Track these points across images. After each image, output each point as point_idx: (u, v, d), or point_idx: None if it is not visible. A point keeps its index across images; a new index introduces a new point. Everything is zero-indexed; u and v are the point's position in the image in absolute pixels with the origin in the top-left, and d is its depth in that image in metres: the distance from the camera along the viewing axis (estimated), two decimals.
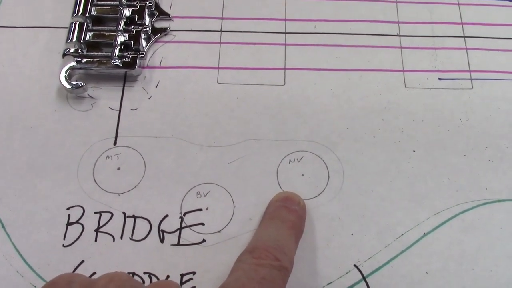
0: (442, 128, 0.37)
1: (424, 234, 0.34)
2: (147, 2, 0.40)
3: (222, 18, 0.41)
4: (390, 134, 0.37)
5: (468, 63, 0.40)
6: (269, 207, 0.33)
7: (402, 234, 0.34)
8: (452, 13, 0.42)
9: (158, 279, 0.33)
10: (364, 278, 0.33)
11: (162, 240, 0.34)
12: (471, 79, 0.39)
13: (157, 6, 0.41)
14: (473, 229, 0.34)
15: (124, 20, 0.39)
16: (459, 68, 0.40)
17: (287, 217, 0.32)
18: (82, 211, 0.34)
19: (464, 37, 0.41)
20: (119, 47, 0.38)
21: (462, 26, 0.41)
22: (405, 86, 0.39)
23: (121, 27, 0.39)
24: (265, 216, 0.33)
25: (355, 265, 0.33)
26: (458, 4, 0.42)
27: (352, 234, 0.34)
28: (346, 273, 0.33)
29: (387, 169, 0.36)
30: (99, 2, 0.40)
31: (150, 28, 0.40)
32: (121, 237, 0.34)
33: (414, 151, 0.37)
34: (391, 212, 0.35)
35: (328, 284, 0.33)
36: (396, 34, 0.41)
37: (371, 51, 0.40)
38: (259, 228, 0.33)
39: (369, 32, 0.41)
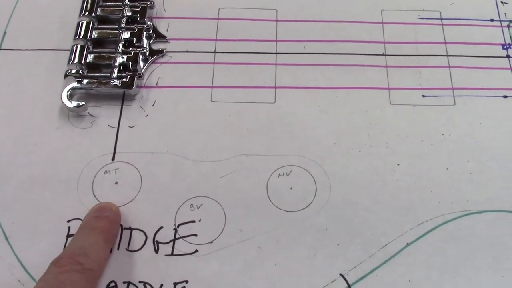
0: (425, 143, 0.39)
1: (407, 244, 0.36)
2: (145, 26, 0.43)
3: (216, 40, 0.44)
4: (375, 149, 0.39)
5: (451, 81, 0.42)
6: (83, 220, 0.35)
7: (386, 244, 0.36)
8: (436, 33, 0.44)
9: (152, 287, 0.34)
10: (349, 286, 0.34)
11: (156, 251, 0.35)
12: (453, 96, 0.41)
13: (155, 29, 0.44)
14: (454, 239, 0.36)
15: (123, 42, 0.42)
16: (442, 85, 0.41)
17: (95, 224, 0.34)
18: None
19: (448, 56, 0.43)
20: (117, 68, 0.40)
21: (446, 46, 0.43)
22: (390, 103, 0.41)
23: (120, 49, 0.41)
24: (78, 229, 0.35)
25: (340, 274, 0.35)
26: (442, 24, 0.44)
27: (338, 244, 0.36)
28: (332, 281, 0.35)
29: (372, 182, 0.38)
30: (99, 26, 0.43)
31: (147, 50, 0.42)
32: (118, 248, 0.36)
33: (398, 164, 0.38)
34: (376, 223, 0.36)
35: None
36: (382, 53, 0.43)
37: (358, 70, 0.42)
38: (69, 241, 0.35)
39: (356, 52, 0.43)
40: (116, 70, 0.40)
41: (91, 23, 0.42)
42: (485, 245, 0.36)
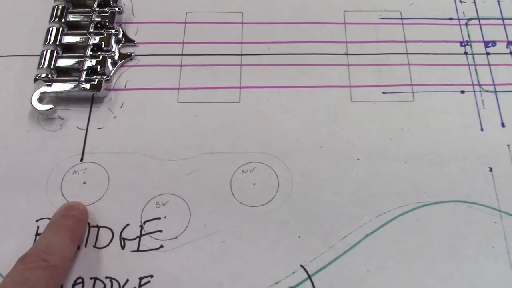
0: (384, 138, 0.40)
1: (366, 235, 0.37)
2: (114, 31, 0.44)
3: (183, 43, 0.45)
4: (336, 144, 0.40)
5: (410, 78, 0.43)
6: (51, 219, 0.36)
7: (346, 236, 0.37)
8: (396, 32, 0.45)
9: (118, 283, 0.35)
10: (309, 277, 0.36)
11: (123, 247, 0.37)
12: (412, 92, 0.42)
13: (124, 34, 0.45)
14: (412, 230, 0.37)
15: (91, 47, 0.43)
16: (402, 82, 0.43)
17: (62, 223, 0.35)
18: None
19: (407, 54, 0.44)
20: (86, 71, 0.42)
21: (406, 44, 0.45)
22: (351, 100, 0.42)
23: (88, 54, 0.42)
24: (45, 227, 0.36)
25: (301, 265, 0.36)
26: (402, 24, 0.46)
27: (299, 237, 0.37)
28: (293, 272, 0.36)
29: (332, 177, 0.39)
30: (69, 32, 0.44)
31: (116, 53, 0.44)
32: (86, 245, 0.37)
33: (358, 159, 0.40)
34: (336, 215, 0.38)
35: (276, 283, 0.35)
36: (344, 53, 0.44)
37: (320, 69, 0.43)
38: (37, 239, 0.36)
39: (319, 52, 0.44)
40: (84, 74, 0.41)
41: (61, 29, 0.44)
42: (441, 235, 0.37)
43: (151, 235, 0.37)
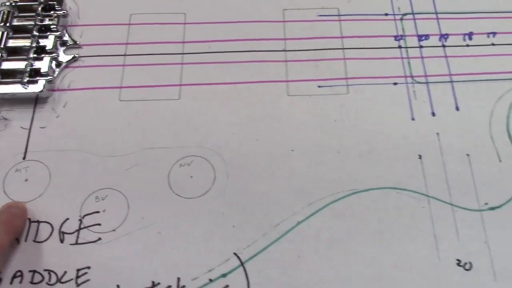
0: (318, 130, 0.42)
1: (298, 223, 0.38)
2: (58, 33, 0.45)
3: (126, 44, 0.46)
4: (271, 137, 0.41)
5: (345, 71, 0.44)
6: None
7: (278, 224, 0.38)
8: (333, 29, 0.47)
9: (56, 275, 0.36)
10: (242, 264, 0.37)
11: (62, 241, 0.38)
12: (347, 85, 0.44)
13: (69, 36, 0.46)
14: (342, 216, 0.39)
15: (35, 49, 0.44)
16: (337, 76, 0.44)
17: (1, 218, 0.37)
18: None
19: (343, 49, 0.46)
20: (29, 73, 0.43)
21: (342, 40, 0.46)
22: (288, 94, 0.44)
23: (32, 56, 0.44)
24: None
25: (234, 253, 0.37)
26: (339, 20, 0.47)
27: (233, 226, 0.38)
28: (226, 260, 0.37)
29: (267, 168, 0.40)
30: (14, 35, 0.45)
31: (60, 55, 0.45)
32: (26, 240, 0.38)
33: (292, 150, 0.41)
34: (270, 205, 0.39)
35: (209, 271, 0.37)
36: (282, 49, 0.46)
37: (258, 66, 0.45)
38: None
39: (257, 49, 0.46)
40: (27, 75, 0.43)
41: (6, 33, 0.45)
42: (370, 220, 0.38)
43: (89, 228, 0.38)
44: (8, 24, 0.45)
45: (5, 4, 0.46)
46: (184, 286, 0.36)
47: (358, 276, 0.36)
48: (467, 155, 0.41)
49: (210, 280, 0.36)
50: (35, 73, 0.43)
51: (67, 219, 0.38)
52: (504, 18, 0.47)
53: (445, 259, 0.37)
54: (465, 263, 0.37)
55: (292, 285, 0.36)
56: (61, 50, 0.46)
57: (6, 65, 0.44)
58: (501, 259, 0.37)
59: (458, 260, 0.37)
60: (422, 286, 0.37)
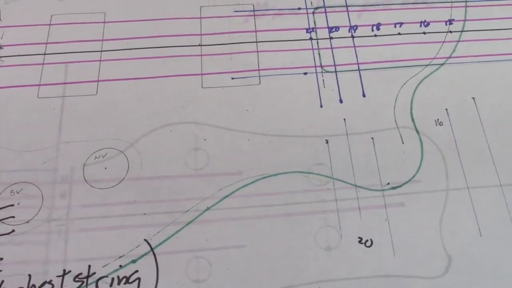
0: (231, 119, 0.43)
1: (208, 208, 0.40)
2: None
3: (46, 43, 0.47)
4: (185, 127, 0.43)
5: (258, 63, 0.46)
6: None
7: (188, 210, 0.40)
8: (248, 24, 0.49)
9: None
10: (152, 249, 0.38)
11: None
12: (259, 76, 0.46)
13: None
14: (251, 200, 0.40)
15: None
16: (250, 68, 0.46)
17: None
18: None
19: (257, 42, 0.48)
20: None
21: (256, 33, 0.48)
22: (202, 87, 0.45)
23: None
24: None
25: (145, 239, 0.39)
26: (254, 15, 0.49)
27: (145, 214, 0.40)
28: (137, 246, 0.38)
29: (180, 156, 0.42)
30: None
31: None
32: None
33: (205, 139, 0.42)
34: (181, 192, 0.40)
35: (120, 257, 0.38)
36: (198, 44, 0.47)
37: (174, 60, 0.46)
38: None
39: (174, 45, 0.47)
40: None
41: None
42: (278, 203, 0.40)
43: (3, 221, 0.39)
44: None
45: None
46: (94, 273, 0.37)
47: (266, 255, 0.38)
48: (372, 138, 0.43)
49: (120, 266, 0.38)
50: None
51: None
52: (410, 9, 0.49)
53: (347, 236, 0.39)
54: (366, 240, 0.39)
55: (201, 267, 0.37)
56: None
57: None
58: (400, 235, 0.39)
59: (359, 237, 0.39)
60: (326, 263, 0.38)
